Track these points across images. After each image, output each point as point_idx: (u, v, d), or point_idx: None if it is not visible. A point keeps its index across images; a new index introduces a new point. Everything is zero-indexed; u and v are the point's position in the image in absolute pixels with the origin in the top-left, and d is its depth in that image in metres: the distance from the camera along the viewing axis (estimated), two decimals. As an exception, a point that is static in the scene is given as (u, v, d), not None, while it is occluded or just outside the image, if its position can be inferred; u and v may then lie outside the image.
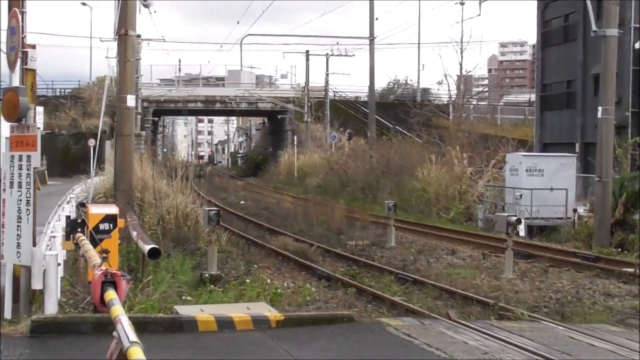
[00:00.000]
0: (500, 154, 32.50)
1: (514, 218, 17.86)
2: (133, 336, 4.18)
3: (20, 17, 10.32)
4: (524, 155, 28.46)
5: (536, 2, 44.49)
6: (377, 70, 50.04)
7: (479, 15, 56.75)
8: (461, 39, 46.88)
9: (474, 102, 59.81)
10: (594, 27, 21.58)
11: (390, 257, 20.06)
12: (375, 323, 10.75)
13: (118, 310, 4.80)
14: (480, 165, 33.21)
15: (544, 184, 25.62)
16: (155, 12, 32.71)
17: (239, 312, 10.28)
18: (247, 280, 14.55)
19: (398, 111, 57.85)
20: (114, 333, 4.54)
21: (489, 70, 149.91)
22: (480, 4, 40.98)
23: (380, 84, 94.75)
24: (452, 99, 53.87)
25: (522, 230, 22.68)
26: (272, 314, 10.33)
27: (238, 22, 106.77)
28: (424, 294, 14.66)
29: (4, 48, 10.94)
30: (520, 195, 25.35)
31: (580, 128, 38.77)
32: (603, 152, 21.59)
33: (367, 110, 50.67)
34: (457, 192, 30.29)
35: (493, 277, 16.95)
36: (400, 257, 20.00)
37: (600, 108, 21.61)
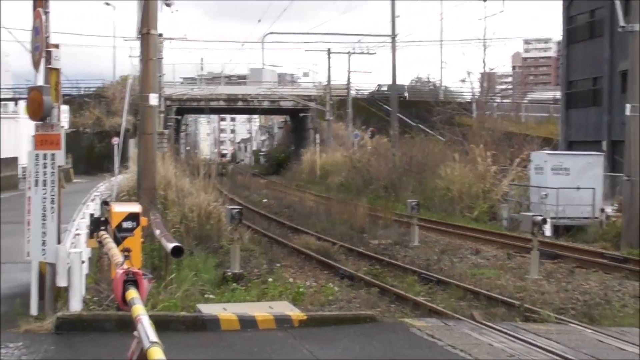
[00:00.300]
0: (525, 153, 32.29)
1: (540, 218, 17.71)
2: (153, 336, 4.19)
3: (43, 17, 10.38)
4: (549, 153, 28.25)
5: (561, -2, 44.21)
6: (399, 68, 49.91)
7: (502, 12, 56.45)
8: (484, 36, 46.78)
9: (498, 100, 59.51)
10: (621, 23, 21.36)
11: (414, 256, 19.98)
12: (399, 323, 10.72)
13: (139, 310, 4.81)
14: (504, 163, 33.03)
15: (570, 183, 25.42)
16: (177, 10, 32.89)
17: (261, 311, 10.29)
18: (270, 279, 14.54)
19: (421, 109, 57.72)
20: (135, 332, 4.56)
21: (513, 68, 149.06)
22: (503, 0, 40.68)
23: (403, 82, 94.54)
24: (475, 96, 53.62)
25: (547, 230, 22.49)
26: (294, 313, 10.33)
27: (259, 21, 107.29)
28: (447, 294, 14.58)
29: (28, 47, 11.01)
30: (546, 195, 25.17)
31: (607, 126, 38.47)
32: (631, 150, 21.32)
33: (389, 109, 50.55)
34: (481, 190, 30.14)
35: (518, 277, 16.82)
36: (424, 256, 19.91)
37: (628, 105, 21.37)
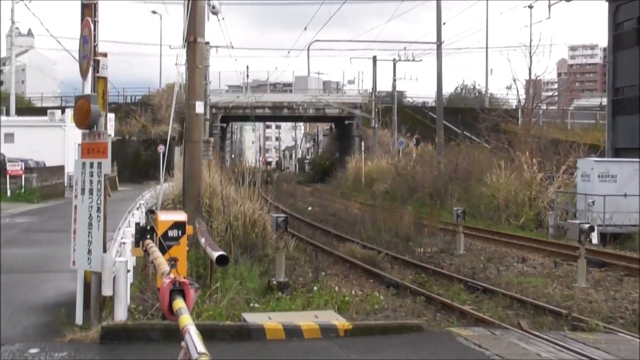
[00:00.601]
0: (571, 160, 31.89)
1: (587, 225, 17.43)
2: (201, 347, 4.15)
3: (92, 26, 10.45)
4: (596, 160, 27.84)
5: (607, 4, 43.60)
6: (445, 75, 49.71)
7: (549, 18, 55.44)
8: (530, 42, 46.32)
9: (544, 107, 58.89)
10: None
11: (459, 264, 19.80)
12: (445, 333, 10.58)
13: (186, 320, 4.77)
14: (550, 171, 32.63)
15: (617, 190, 25.02)
16: (223, 19, 32.99)
17: (306, 320, 10.21)
18: (315, 288, 14.47)
19: (466, 116, 57.33)
20: (182, 343, 4.51)
21: (559, 74, 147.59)
22: (549, 6, 40.20)
23: (448, 89, 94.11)
24: (521, 103, 53.12)
25: (595, 237, 22.14)
26: (340, 322, 10.23)
27: (305, 28, 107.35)
28: (494, 303, 14.39)
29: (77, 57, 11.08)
30: (593, 202, 24.79)
31: (654, 132, 37.81)
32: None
33: (435, 116, 50.28)
34: (527, 198, 29.82)
35: (565, 286, 16.56)
36: (470, 264, 19.73)
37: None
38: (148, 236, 9.93)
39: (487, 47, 70.51)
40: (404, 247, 22.80)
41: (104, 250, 9.89)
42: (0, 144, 37.32)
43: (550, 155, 34.95)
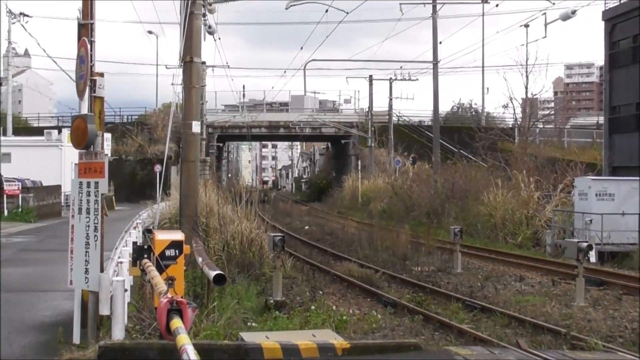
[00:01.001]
0: (568, 178, 31.94)
1: (585, 244, 17.44)
2: (199, 366, 4.14)
3: (89, 46, 10.48)
4: (593, 179, 27.88)
5: (603, 22, 43.83)
6: (441, 94, 49.80)
7: (545, 37, 55.77)
8: (526, 61, 46.31)
9: (540, 125, 59.01)
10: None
11: (457, 283, 19.77)
12: (443, 351, 10.55)
13: (184, 340, 4.77)
14: (547, 189, 32.67)
15: (615, 209, 25.05)
16: (219, 39, 33.07)
17: (304, 339, 10.18)
18: (313, 307, 14.45)
19: (463, 135, 57.42)
20: (180, 362, 4.51)
21: (555, 93, 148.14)
22: (545, 25, 40.39)
23: (445, 108, 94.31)
24: (518, 122, 53.24)
25: (592, 256, 22.12)
26: (338, 341, 10.20)
27: (302, 48, 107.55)
28: (492, 322, 14.38)
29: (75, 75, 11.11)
30: (590, 221, 24.82)
31: (651, 151, 37.92)
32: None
33: (431, 135, 50.36)
34: (524, 217, 29.84)
35: (564, 304, 16.55)
36: (467, 283, 19.71)
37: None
38: (145, 255, 9.92)
39: (483, 66, 70.63)
40: (401, 266, 22.78)
41: (101, 270, 9.88)
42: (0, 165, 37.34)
43: (548, 173, 35.02)
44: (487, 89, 76.08)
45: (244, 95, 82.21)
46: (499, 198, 31.42)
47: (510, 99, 50.33)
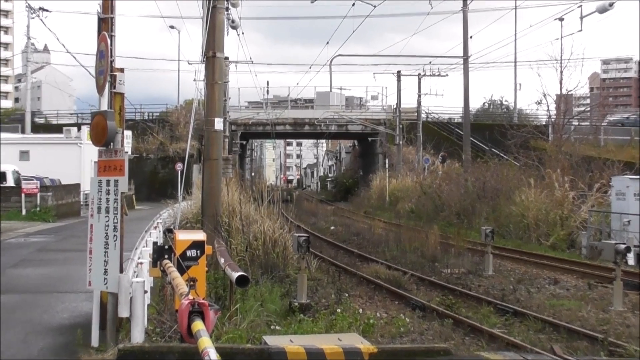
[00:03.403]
0: (605, 177, 31.65)
1: (623, 246, 17.23)
2: (221, 370, 4.12)
3: (109, 40, 10.52)
4: (631, 178, 27.57)
5: (642, 16, 43.39)
6: (472, 90, 49.60)
7: (580, 31, 55.20)
8: (561, 56, 45.96)
9: (575, 123, 58.57)
10: None
11: (488, 286, 19.66)
12: (474, 357, 10.47)
13: (206, 343, 4.75)
14: (583, 189, 32.41)
15: (654, 209, 24.76)
16: (242, 33, 33.16)
17: (329, 343, 10.14)
18: (338, 310, 14.41)
19: (494, 132, 57.16)
20: (202, 367, 4.49)
21: (591, 89, 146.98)
22: (581, 19, 40.05)
23: (475, 105, 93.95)
24: (552, 119, 52.88)
25: (631, 258, 21.90)
26: (364, 346, 10.16)
27: (327, 43, 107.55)
28: (525, 327, 14.27)
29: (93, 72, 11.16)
30: (628, 221, 24.56)
31: (691, 149, 37.52)
32: None
33: (462, 132, 50.16)
34: (559, 217, 29.61)
35: (600, 309, 16.37)
36: (499, 286, 19.59)
37: None
38: (166, 256, 9.94)
39: (515, 61, 70.38)
40: (430, 268, 22.70)
41: (121, 271, 9.90)
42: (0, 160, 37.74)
43: (583, 172, 34.75)
44: (520, 85, 75.82)
45: (267, 91, 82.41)
46: (531, 198, 31.22)
47: (544, 95, 50.04)
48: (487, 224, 28.86)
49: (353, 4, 34.01)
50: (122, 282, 9.66)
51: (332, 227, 37.51)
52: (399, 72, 61.03)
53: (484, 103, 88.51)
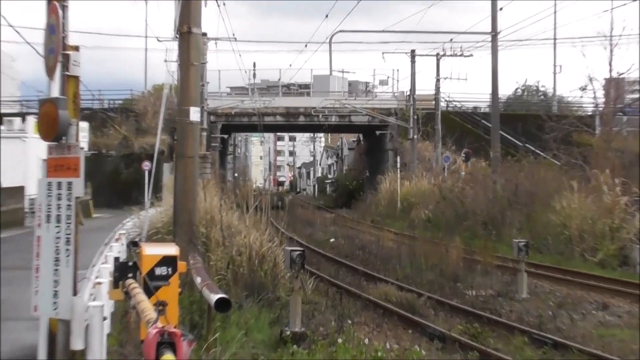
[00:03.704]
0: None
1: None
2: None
3: (60, 12, 10.45)
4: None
5: None
6: (502, 74, 49.57)
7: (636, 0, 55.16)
8: (611, 32, 45.94)
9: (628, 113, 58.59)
10: None
11: (522, 311, 19.66)
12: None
13: (178, 381, 4.73)
14: (637, 193, 32.42)
15: None
16: (224, 4, 33.15)
17: (329, 381, 10.14)
18: (339, 340, 14.42)
19: (529, 125, 57.20)
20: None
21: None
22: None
23: (506, 91, 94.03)
24: (599, 108, 52.89)
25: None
26: (371, 384, 10.16)
27: (327, 16, 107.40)
28: (567, 361, 14.28)
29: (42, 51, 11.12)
30: (694, 234, 24.58)
31: None
32: None
33: (489, 124, 50.16)
34: (608, 228, 29.59)
35: (659, 340, 16.38)
36: (535, 311, 19.59)
37: None
38: (130, 275, 9.90)
39: (555, 38, 70.30)
40: (451, 289, 22.72)
41: (74, 293, 9.85)
42: None
43: (637, 173, 34.76)
44: (560, 67, 75.14)
45: (254, 75, 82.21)
46: (574, 204, 31.21)
47: (590, 80, 49.99)
48: (520, 235, 28.88)
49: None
50: (75, 306, 9.61)
51: (332, 240, 37.54)
52: (413, 51, 61.06)
53: (516, 89, 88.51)
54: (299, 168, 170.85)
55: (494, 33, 45.08)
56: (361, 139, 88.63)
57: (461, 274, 24.80)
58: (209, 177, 32.89)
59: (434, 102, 61.62)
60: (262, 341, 13.80)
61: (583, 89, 52.16)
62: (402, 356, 14.29)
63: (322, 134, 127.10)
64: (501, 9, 47.93)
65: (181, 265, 10.32)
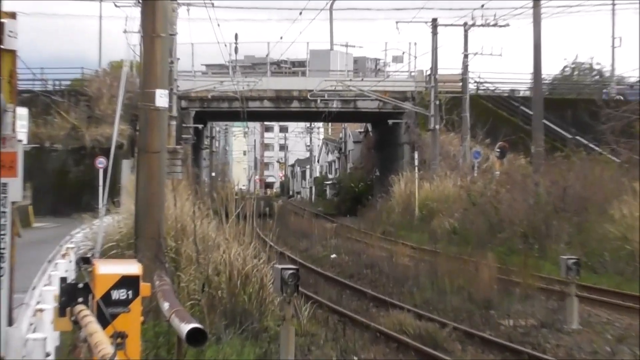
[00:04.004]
0: None
1: None
2: None
3: (-8, -32, 10.46)
4: None
5: None
6: (546, 48, 49.51)
7: None
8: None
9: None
10: None
11: (572, 346, 19.64)
12: None
13: None
14: None
15: None
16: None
17: None
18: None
19: (580, 112, 57.26)
20: None
21: None
22: None
23: (551, 70, 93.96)
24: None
25: None
26: None
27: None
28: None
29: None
30: None
31: None
32: None
33: (530, 111, 50.19)
34: (683, 243, 29.63)
35: None
36: (589, 347, 19.57)
37: None
38: (80, 299, 9.89)
39: (613, 3, 70.21)
40: (483, 318, 22.70)
41: (10, 323, 9.85)
42: None
43: None
44: (620, 39, 74.88)
45: (236, 49, 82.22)
46: (638, 212, 31.20)
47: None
48: (569, 251, 28.85)
49: None
50: (11, 339, 9.60)
51: (334, 256, 37.57)
52: (434, 20, 61.15)
53: (564, 67, 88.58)
54: (292, 166, 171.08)
55: (536, -3, 45.13)
56: (369, 129, 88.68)
57: (495, 299, 24.78)
58: (179, 177, 32.90)
59: (460, 84, 61.72)
60: (247, 383, 13.81)
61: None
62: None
63: (320, 124, 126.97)
64: (545, -34, 47.96)
65: (144, 288, 10.31)
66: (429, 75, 64.23)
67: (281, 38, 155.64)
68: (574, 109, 61.55)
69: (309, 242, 43.47)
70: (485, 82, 69.95)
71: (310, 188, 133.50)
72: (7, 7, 10.51)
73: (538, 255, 33.37)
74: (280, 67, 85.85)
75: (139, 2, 18.78)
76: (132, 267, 10.45)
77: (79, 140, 64.72)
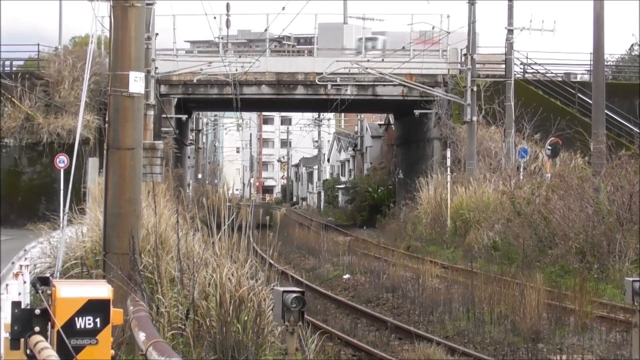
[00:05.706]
0: None
1: None
2: None
3: None
4: None
5: None
6: (609, 23, 49.48)
7: None
8: None
9: None
10: None
11: (639, 389, 19.70)
12: None
13: None
14: None
15: None
16: None
17: None
18: None
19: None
20: None
21: None
22: None
23: (616, 49, 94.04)
24: None
25: None
26: None
27: None
28: None
29: None
30: None
31: None
32: None
33: (589, 100, 50.19)
34: None
35: None
36: (661, 389, 19.62)
37: None
38: (37, 329, 9.95)
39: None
40: (529, 353, 22.73)
41: (-48, 356, 9.92)
42: None
43: None
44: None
45: (228, 22, 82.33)
46: None
47: None
48: (635, 271, 28.84)
49: None
50: (-46, 376, 9.67)
51: (347, 276, 37.65)
52: (472, -12, 61.20)
53: (631, 46, 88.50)
54: (296, 166, 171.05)
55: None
56: (391, 122, 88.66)
57: (545, 330, 24.82)
58: (158, 180, 32.97)
59: (503, 66, 61.69)
60: None
61: None
62: None
63: (331, 115, 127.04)
64: None
65: (116, 314, 10.37)
66: (465, 55, 64.14)
67: (283, 9, 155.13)
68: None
69: (317, 259, 43.56)
70: (535, 64, 69.91)
71: (318, 193, 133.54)
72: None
73: (598, 276, 33.39)
74: (281, 45, 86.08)
75: (108, -36, 18.81)
76: (101, 290, 10.49)
77: (34, 133, 64.59)
